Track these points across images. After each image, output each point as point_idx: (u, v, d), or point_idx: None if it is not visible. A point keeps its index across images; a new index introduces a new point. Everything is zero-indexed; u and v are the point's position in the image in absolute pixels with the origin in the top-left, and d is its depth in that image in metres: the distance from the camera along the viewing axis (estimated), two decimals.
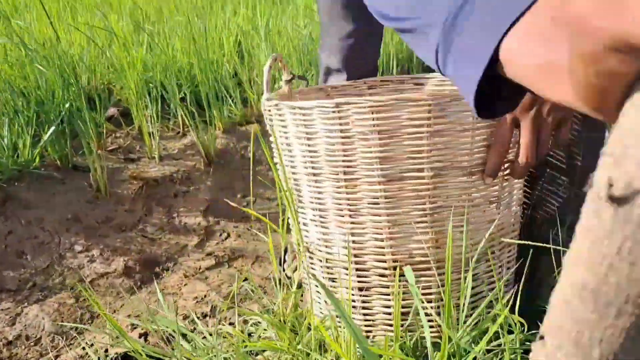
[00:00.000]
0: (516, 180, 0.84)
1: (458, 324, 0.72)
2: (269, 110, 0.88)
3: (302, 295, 1.05)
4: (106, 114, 1.77)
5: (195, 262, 1.36)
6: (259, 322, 1.04)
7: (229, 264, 1.36)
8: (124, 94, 1.87)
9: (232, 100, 1.90)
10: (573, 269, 0.30)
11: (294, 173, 0.88)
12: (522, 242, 0.79)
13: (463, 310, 0.70)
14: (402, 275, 0.81)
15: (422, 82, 1.10)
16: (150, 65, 1.87)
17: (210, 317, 1.18)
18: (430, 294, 0.82)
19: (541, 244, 0.72)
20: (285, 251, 1.22)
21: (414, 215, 0.79)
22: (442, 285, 0.81)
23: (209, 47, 1.92)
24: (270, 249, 0.97)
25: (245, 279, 1.29)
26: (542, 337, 0.34)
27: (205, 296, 1.25)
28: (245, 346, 0.85)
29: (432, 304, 0.80)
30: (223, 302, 1.22)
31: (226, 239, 1.46)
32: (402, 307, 0.83)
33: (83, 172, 1.57)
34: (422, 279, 0.81)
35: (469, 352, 0.66)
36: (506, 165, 0.80)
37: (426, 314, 0.82)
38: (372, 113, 0.73)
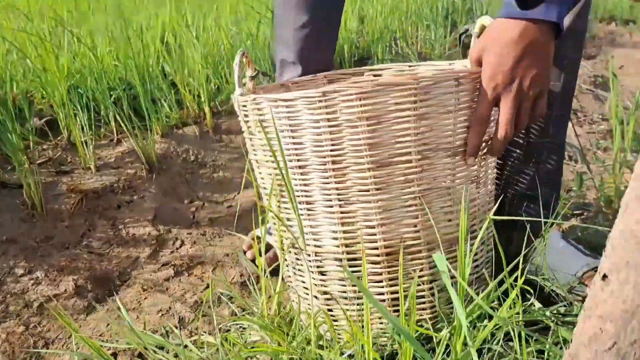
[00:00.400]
0: (491, 159, 0.87)
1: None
2: (244, 106, 0.85)
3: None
4: (32, 124, 1.64)
5: (152, 274, 1.30)
6: (243, 327, 1.01)
7: (189, 273, 1.31)
8: (45, 102, 1.75)
9: (167, 103, 1.83)
10: (636, 206, 0.32)
11: (274, 169, 0.86)
12: (507, 217, 0.82)
13: (473, 284, 0.71)
14: (395, 260, 0.82)
15: (381, 73, 1.11)
16: (75, 70, 1.76)
17: (180, 328, 1.13)
18: (422, 276, 0.83)
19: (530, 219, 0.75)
20: (267, 250, 1.20)
21: (403, 200, 0.80)
22: (433, 267, 0.83)
23: (144, 48, 1.84)
24: (255, 250, 0.94)
25: (207, 286, 1.25)
26: (604, 277, 0.36)
27: (169, 308, 1.19)
28: (241, 351, 0.82)
29: (425, 286, 0.81)
30: (191, 312, 1.17)
31: (181, 246, 1.40)
32: (395, 292, 0.83)
33: (13, 189, 1.45)
34: (414, 262, 0.82)
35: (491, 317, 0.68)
36: (484, 143, 0.82)
37: (421, 297, 0.83)
38: (359, 100, 0.73)
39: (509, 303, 0.66)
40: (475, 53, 0.78)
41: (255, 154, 0.91)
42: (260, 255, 1.17)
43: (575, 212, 1.35)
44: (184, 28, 2.07)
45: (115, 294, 1.24)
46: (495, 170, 0.91)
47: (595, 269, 0.85)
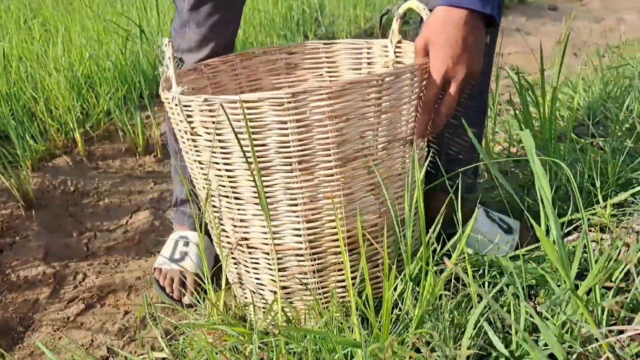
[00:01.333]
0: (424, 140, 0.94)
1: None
2: (187, 106, 0.80)
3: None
4: None
5: (59, 313, 1.17)
6: (185, 336, 0.98)
7: (101, 303, 1.20)
8: None
9: (29, 135, 1.66)
10: None
11: (228, 171, 0.83)
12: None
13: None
14: (356, 248, 0.87)
15: (295, 51, 1.12)
16: None
17: (112, 357, 1.05)
18: (378, 259, 0.89)
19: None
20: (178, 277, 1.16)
21: (365, 191, 0.84)
22: (388, 247, 0.89)
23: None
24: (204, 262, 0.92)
25: (126, 313, 1.17)
26: None
27: (92, 341, 1.10)
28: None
29: (381, 267, 0.87)
30: (117, 339, 1.09)
31: (84, 279, 1.28)
32: (354, 278, 0.88)
33: None
34: (373, 246, 0.87)
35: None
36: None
37: (376, 277, 0.89)
38: (329, 99, 0.76)
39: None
40: (421, 42, 0.82)
41: (199, 155, 0.86)
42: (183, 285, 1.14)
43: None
44: (36, 54, 1.90)
45: (21, 342, 1.11)
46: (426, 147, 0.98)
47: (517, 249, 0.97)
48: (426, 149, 0.96)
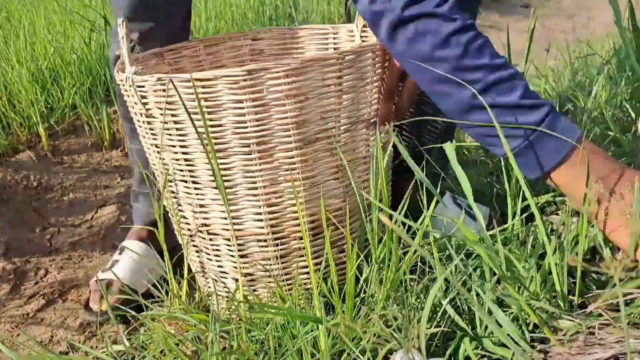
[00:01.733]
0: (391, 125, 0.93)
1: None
2: (141, 87, 0.77)
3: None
4: None
5: (18, 309, 1.13)
6: (145, 328, 0.95)
7: (63, 299, 1.17)
8: None
9: None
10: None
11: (184, 154, 0.80)
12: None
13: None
14: (320, 232, 0.84)
15: (260, 37, 1.09)
16: None
17: (72, 352, 1.02)
18: (344, 244, 0.87)
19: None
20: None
21: (327, 174, 0.82)
22: (353, 232, 0.87)
23: None
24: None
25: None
26: None
27: (52, 337, 1.06)
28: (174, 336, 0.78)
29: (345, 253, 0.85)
30: (79, 334, 1.06)
31: (46, 275, 1.24)
32: (319, 264, 0.85)
33: None
34: (338, 231, 0.85)
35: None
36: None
37: (342, 263, 0.87)
38: (287, 77, 0.74)
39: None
40: None
41: (155, 139, 0.83)
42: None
43: None
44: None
45: None
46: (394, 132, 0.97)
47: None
48: (394, 134, 0.94)
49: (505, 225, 0.87)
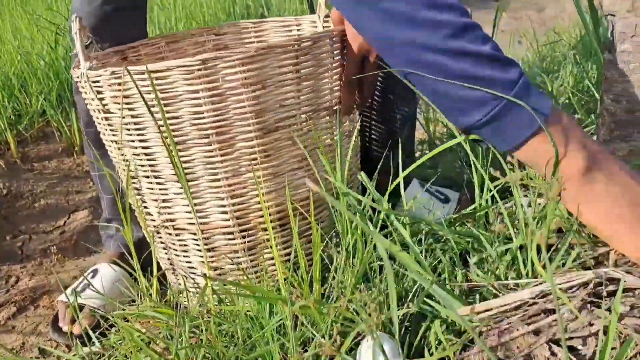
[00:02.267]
0: (357, 113, 0.93)
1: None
2: (96, 82, 0.76)
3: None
4: None
5: None
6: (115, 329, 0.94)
7: (35, 305, 1.15)
8: None
9: None
10: None
11: (144, 148, 0.79)
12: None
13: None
14: (287, 223, 0.84)
15: (224, 32, 1.08)
16: None
17: (42, 358, 1.00)
18: (310, 234, 0.86)
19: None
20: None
21: (291, 163, 0.81)
22: (322, 222, 0.87)
23: None
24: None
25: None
26: None
27: (24, 344, 1.04)
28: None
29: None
30: (51, 340, 1.04)
31: (17, 282, 1.22)
32: (288, 254, 0.85)
33: None
34: (306, 220, 0.85)
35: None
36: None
37: (311, 253, 0.86)
38: (243, 65, 0.73)
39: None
40: (337, 13, 0.81)
41: (114, 135, 0.81)
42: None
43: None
44: None
45: None
46: (359, 122, 0.97)
47: None
48: (358, 121, 0.94)
49: (473, 206, 0.87)
